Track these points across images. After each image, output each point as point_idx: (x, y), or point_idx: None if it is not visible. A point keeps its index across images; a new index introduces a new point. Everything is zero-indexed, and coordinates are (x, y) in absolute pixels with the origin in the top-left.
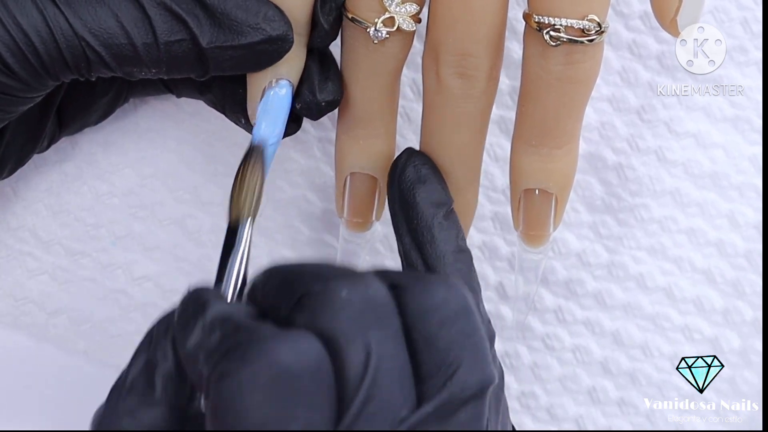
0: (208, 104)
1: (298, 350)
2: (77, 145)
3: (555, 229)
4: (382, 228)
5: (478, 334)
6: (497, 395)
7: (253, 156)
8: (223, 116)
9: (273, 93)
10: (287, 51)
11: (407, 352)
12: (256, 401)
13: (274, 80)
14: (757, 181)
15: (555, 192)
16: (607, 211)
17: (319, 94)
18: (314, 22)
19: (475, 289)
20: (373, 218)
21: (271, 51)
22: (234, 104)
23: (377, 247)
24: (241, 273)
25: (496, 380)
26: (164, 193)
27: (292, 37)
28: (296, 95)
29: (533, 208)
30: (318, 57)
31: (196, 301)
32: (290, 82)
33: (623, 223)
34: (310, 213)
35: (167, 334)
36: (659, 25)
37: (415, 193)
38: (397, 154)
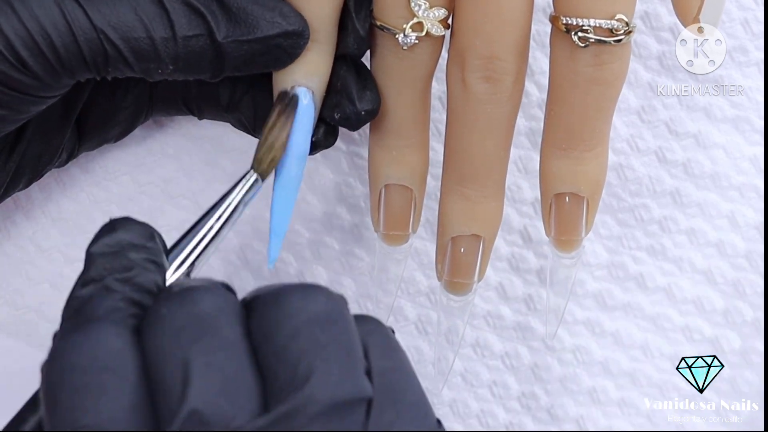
0: (235, 125)
1: (97, 345)
2: None
3: (587, 233)
4: (422, 243)
5: (338, 342)
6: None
7: (285, 103)
8: (221, 123)
9: None
10: (303, 47)
11: (252, 365)
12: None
13: (289, 88)
14: (757, 182)
15: (586, 195)
16: (606, 212)
17: (359, 104)
18: (350, 30)
19: None
20: (410, 230)
21: (286, 46)
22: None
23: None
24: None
25: (369, 393)
26: (163, 199)
27: (308, 34)
28: (335, 106)
29: (565, 213)
30: (354, 66)
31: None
32: (310, 90)
33: (623, 224)
34: (310, 215)
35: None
36: (672, 25)
37: None
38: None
